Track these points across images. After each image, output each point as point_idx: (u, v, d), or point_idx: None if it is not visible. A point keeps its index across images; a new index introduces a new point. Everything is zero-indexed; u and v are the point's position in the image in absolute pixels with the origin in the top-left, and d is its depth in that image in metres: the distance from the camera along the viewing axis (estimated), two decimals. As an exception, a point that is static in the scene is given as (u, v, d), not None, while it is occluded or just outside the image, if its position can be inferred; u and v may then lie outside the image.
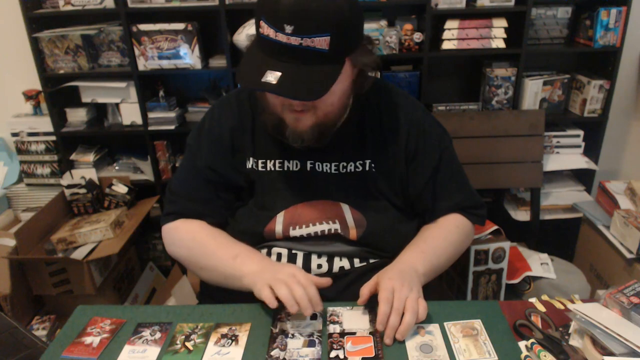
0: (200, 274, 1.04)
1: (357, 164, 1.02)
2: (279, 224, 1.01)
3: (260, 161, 1.03)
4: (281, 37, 0.80)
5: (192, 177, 1.06)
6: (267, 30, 0.82)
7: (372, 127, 1.03)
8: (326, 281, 0.90)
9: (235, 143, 1.04)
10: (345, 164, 1.02)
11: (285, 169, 1.02)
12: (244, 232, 1.03)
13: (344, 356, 0.79)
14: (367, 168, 1.02)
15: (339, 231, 1.00)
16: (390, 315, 0.82)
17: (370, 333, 0.83)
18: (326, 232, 1.00)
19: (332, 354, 0.79)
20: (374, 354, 0.78)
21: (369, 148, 1.03)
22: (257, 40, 0.87)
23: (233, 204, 1.07)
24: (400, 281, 0.86)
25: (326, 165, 1.02)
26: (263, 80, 0.81)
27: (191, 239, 1.03)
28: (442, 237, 1.04)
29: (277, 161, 1.02)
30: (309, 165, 1.02)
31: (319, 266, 1.01)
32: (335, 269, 1.01)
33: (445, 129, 1.10)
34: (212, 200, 1.05)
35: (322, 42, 0.81)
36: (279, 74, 0.81)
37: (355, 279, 1.01)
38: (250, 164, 1.03)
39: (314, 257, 1.01)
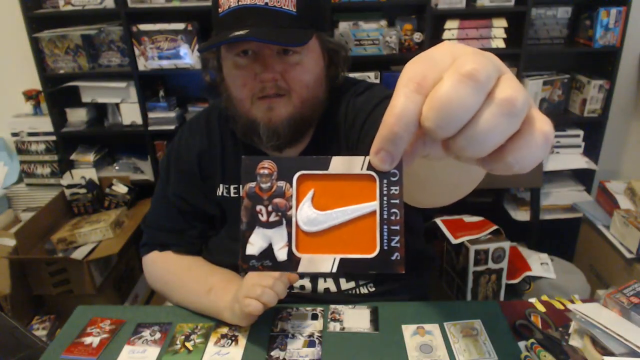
0: (182, 306, 0.96)
1: None
2: None
3: (232, 187, 0.97)
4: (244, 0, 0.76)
5: (164, 207, 1.02)
6: (228, 2, 0.78)
7: (346, 132, 0.93)
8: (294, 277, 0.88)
9: (204, 169, 0.98)
10: None
11: None
12: (219, 265, 0.99)
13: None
14: None
15: None
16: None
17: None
18: None
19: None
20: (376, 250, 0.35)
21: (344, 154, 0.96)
22: (217, 25, 0.82)
23: (207, 233, 1.03)
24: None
25: None
26: (236, 34, 0.75)
27: (166, 272, 1.00)
28: None
29: None
30: None
31: (302, 287, 0.97)
32: (320, 289, 0.96)
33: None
34: (185, 230, 1.01)
35: (288, 3, 0.77)
36: (246, 30, 0.76)
37: (354, 301, 0.94)
38: (220, 190, 0.98)
39: None
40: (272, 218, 0.35)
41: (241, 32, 0.76)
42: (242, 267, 0.35)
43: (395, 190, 0.34)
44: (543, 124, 0.31)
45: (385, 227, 0.34)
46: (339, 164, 0.34)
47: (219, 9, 0.80)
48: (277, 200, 0.35)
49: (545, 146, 0.31)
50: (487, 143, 0.30)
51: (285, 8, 0.77)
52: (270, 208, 0.35)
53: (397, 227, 0.34)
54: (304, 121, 0.87)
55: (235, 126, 0.91)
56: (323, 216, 0.35)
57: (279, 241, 0.35)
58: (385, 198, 0.34)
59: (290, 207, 0.35)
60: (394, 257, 0.33)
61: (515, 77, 0.31)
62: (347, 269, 0.34)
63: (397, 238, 0.34)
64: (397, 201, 0.34)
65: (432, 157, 0.34)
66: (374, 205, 0.34)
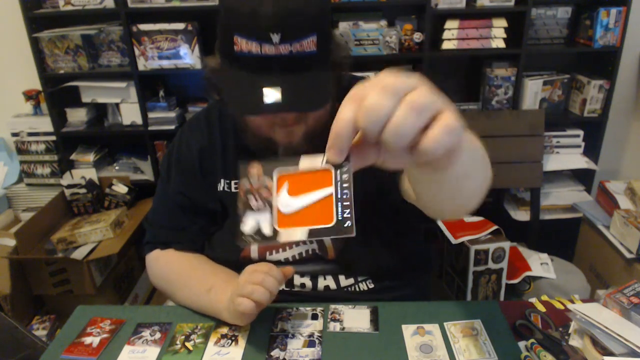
0: (183, 305, 0.96)
1: None
2: (253, 250, 0.98)
3: (233, 182, 0.98)
4: (268, 49, 0.72)
5: (166, 205, 1.03)
6: (248, 46, 0.73)
7: None
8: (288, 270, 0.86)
9: (205, 165, 0.99)
10: None
11: None
12: (220, 261, 1.00)
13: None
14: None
15: (317, 251, 0.96)
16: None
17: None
18: (304, 254, 0.97)
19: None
20: (333, 221, 0.45)
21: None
22: (232, 60, 0.76)
23: (209, 229, 1.04)
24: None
25: None
26: (267, 102, 0.73)
27: (168, 270, 1.00)
28: None
29: None
30: None
31: (303, 285, 0.97)
32: (320, 287, 0.97)
33: None
34: (187, 227, 1.02)
35: (310, 44, 0.74)
36: (278, 92, 0.73)
37: (354, 298, 0.95)
38: (221, 186, 0.98)
39: (296, 277, 0.97)
40: (260, 205, 0.47)
41: (273, 99, 0.73)
42: (240, 239, 0.46)
43: (346, 177, 0.45)
44: (449, 119, 0.41)
45: (340, 203, 0.45)
46: (306, 161, 0.47)
47: (235, 47, 0.74)
48: (263, 191, 0.48)
49: (449, 136, 0.41)
50: (404, 134, 0.40)
51: (307, 51, 0.74)
52: (258, 197, 0.48)
53: (348, 203, 0.45)
54: (317, 133, 0.86)
55: (246, 138, 0.90)
56: (296, 201, 0.46)
57: (265, 221, 0.47)
58: (339, 183, 0.45)
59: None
60: (346, 225, 0.44)
61: (432, 86, 0.42)
62: (314, 235, 0.45)
63: (348, 211, 0.45)
64: (347, 184, 0.45)
65: (387, 165, 0.46)
66: (331, 189, 0.45)
